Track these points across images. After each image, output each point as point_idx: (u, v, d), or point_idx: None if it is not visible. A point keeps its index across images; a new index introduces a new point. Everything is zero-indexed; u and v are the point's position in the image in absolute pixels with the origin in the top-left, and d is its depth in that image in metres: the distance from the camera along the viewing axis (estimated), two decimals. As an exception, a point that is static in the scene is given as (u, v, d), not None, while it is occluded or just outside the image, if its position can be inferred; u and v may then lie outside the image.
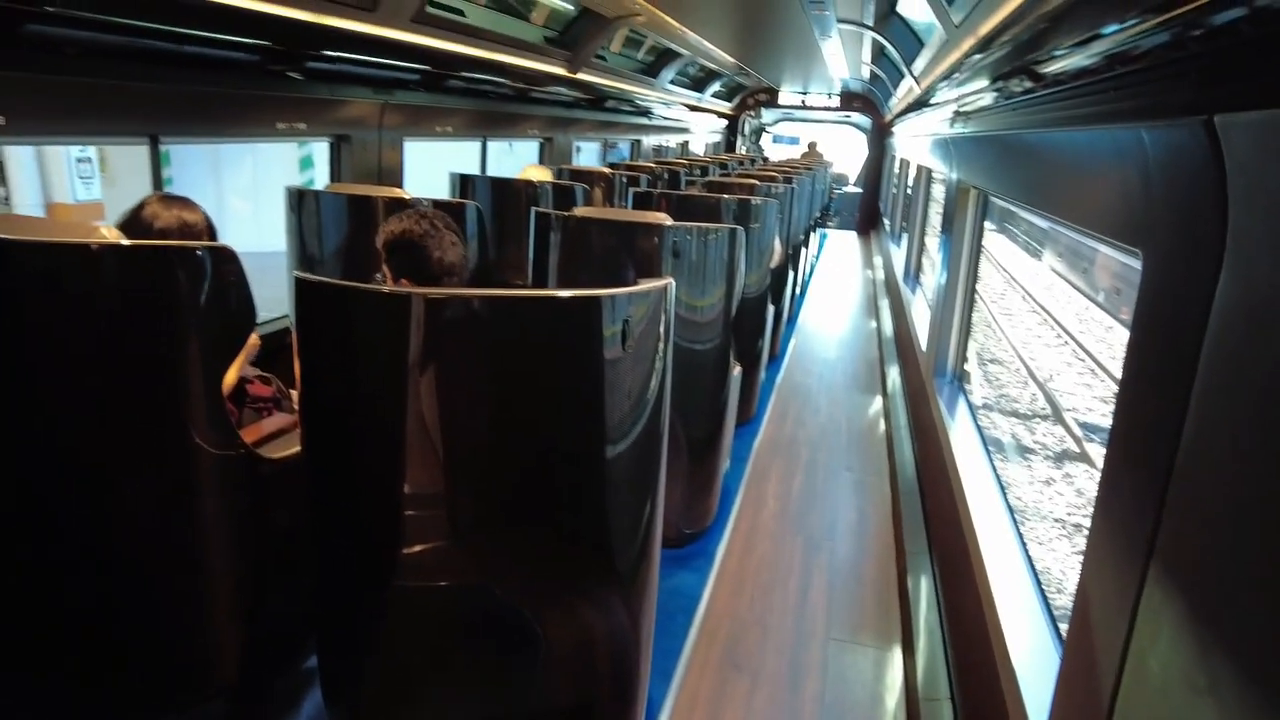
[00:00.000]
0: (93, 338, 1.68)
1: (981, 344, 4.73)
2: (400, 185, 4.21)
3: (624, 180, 5.42)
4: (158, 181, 3.04)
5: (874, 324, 8.40)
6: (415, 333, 1.58)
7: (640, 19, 6.02)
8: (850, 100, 15.18)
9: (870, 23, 6.58)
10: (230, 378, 2.04)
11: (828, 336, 7.91)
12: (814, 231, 10.32)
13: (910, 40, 6.15)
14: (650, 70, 8.80)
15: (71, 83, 2.45)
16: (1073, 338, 4.02)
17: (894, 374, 6.21)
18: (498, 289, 1.69)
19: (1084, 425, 3.38)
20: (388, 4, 3.39)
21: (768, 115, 16.48)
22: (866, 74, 11.06)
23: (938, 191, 6.67)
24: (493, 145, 6.33)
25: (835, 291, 10.34)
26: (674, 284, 1.84)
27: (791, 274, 6.87)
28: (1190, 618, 1.03)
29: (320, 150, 5.07)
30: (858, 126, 16.00)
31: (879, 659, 2.91)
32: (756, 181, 5.77)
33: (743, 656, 2.86)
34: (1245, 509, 0.92)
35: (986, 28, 2.70)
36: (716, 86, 12.58)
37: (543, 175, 4.77)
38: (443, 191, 4.34)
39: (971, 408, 3.83)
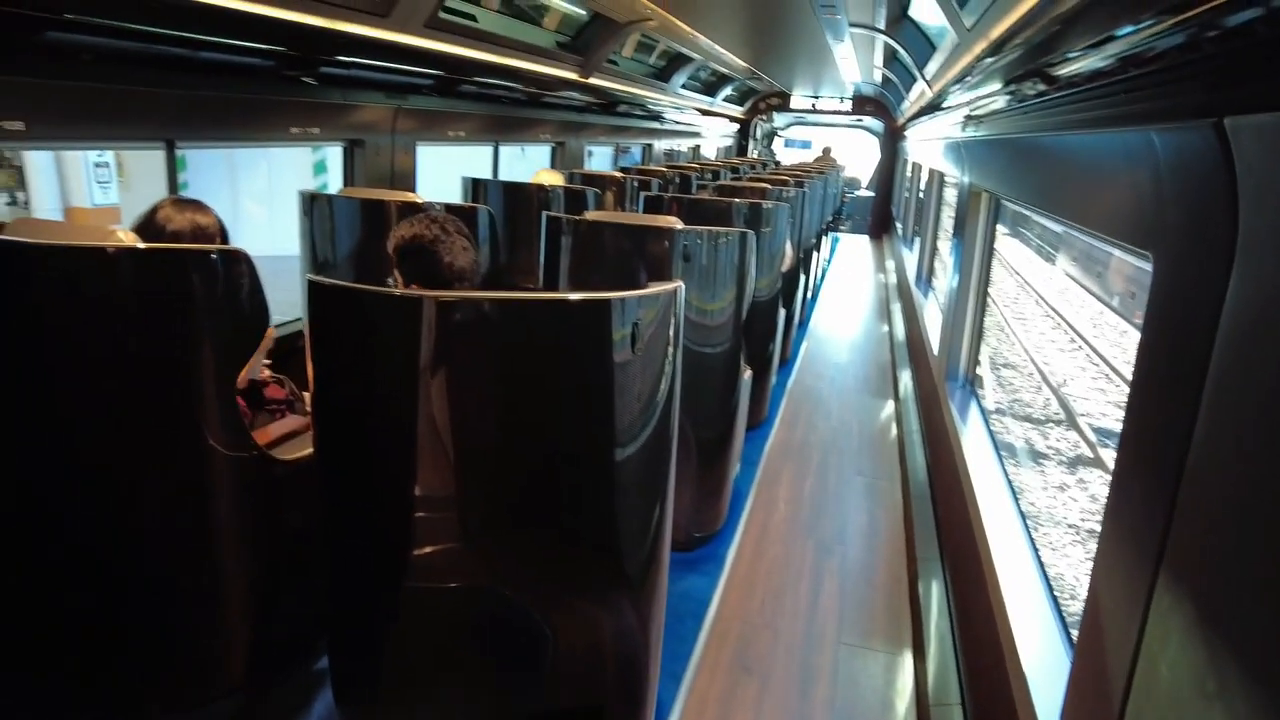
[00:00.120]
0: (109, 339, 1.70)
1: (994, 348, 4.70)
2: (413, 189, 4.24)
3: (635, 184, 5.44)
4: (173, 186, 3.07)
5: (886, 328, 8.36)
6: (426, 335, 1.59)
7: (652, 24, 6.04)
8: (862, 104, 15.16)
9: (882, 26, 6.57)
10: (242, 375, 2.06)
11: (839, 340, 7.88)
12: (826, 235, 10.30)
13: (922, 44, 6.13)
14: (662, 75, 8.82)
15: (89, 88, 2.49)
16: (1086, 342, 3.99)
17: (906, 378, 6.18)
18: (508, 292, 1.69)
19: (1098, 430, 3.35)
20: (401, 10, 3.41)
21: (779, 119, 16.46)
22: (879, 77, 11.03)
23: (950, 195, 6.64)
24: (504, 150, 6.36)
25: (847, 295, 10.31)
26: (683, 287, 1.84)
27: (803, 278, 6.86)
28: (1201, 622, 1.02)
29: (334, 155, 5.11)
30: (870, 130, 15.96)
31: (890, 664, 2.90)
32: (768, 185, 5.77)
33: (753, 660, 2.86)
34: (1256, 513, 0.92)
35: (998, 31, 2.69)
36: (728, 91, 12.59)
37: (554, 179, 4.79)
38: (455, 196, 4.37)
39: (984, 412, 3.81)
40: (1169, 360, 1.23)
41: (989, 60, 3.04)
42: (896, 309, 8.74)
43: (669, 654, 2.64)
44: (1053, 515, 3.30)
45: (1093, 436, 3.34)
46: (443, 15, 3.80)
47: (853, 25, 6.61)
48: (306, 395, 2.32)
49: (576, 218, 3.06)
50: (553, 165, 7.01)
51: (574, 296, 1.67)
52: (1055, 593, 2.31)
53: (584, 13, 5.72)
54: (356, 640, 1.91)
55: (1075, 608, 2.26)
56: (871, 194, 16.23)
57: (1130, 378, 1.41)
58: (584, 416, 1.73)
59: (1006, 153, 3.17)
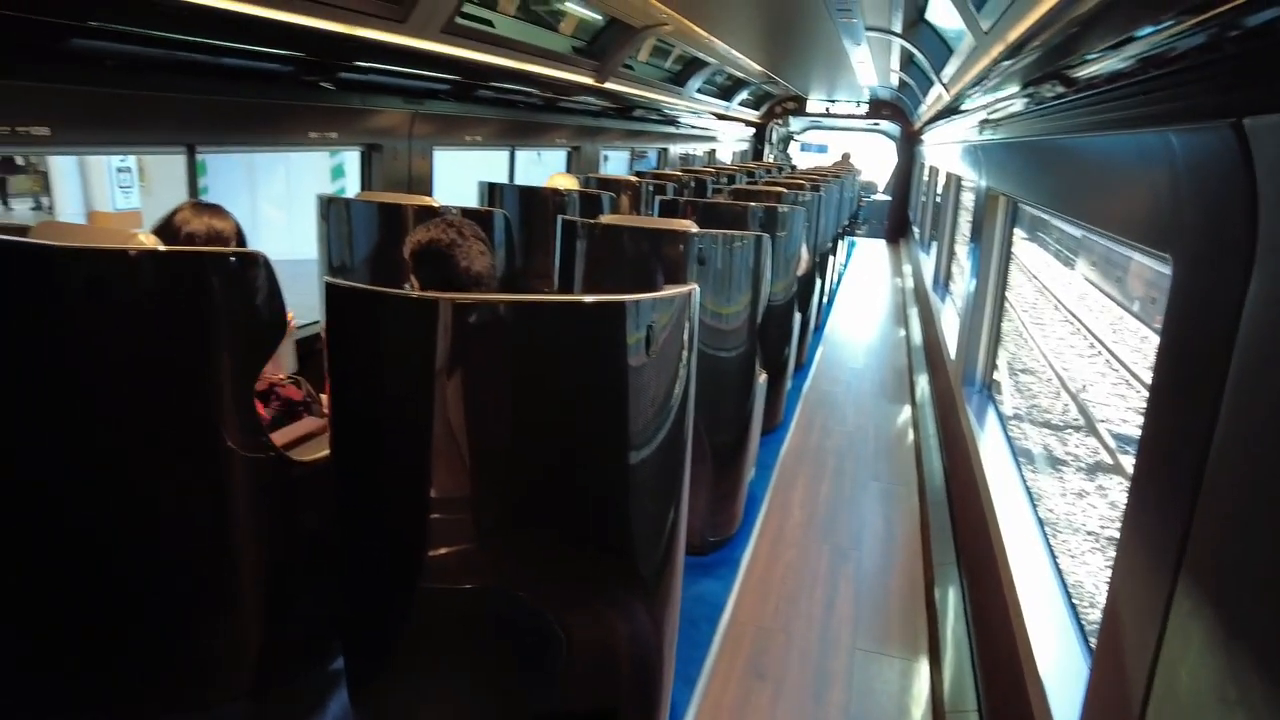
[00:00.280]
0: (130, 339, 1.72)
1: (1012, 353, 4.66)
2: (430, 194, 4.26)
3: (650, 188, 5.44)
4: (194, 190, 3.11)
5: (902, 333, 8.32)
6: (443, 337, 1.60)
7: (668, 28, 6.05)
8: (879, 108, 15.11)
9: (899, 30, 6.55)
10: (270, 371, 2.07)
11: (855, 345, 7.85)
12: (842, 239, 10.27)
13: (939, 47, 6.10)
14: (678, 79, 8.83)
15: (113, 94, 2.52)
16: (1106, 348, 3.95)
17: (923, 383, 6.14)
18: (524, 294, 1.70)
19: (1117, 437, 3.32)
20: (418, 15, 3.44)
21: (795, 123, 16.43)
22: (895, 81, 10.99)
23: (967, 199, 6.60)
24: (521, 154, 6.39)
25: (863, 300, 10.27)
26: (698, 290, 1.84)
27: (819, 282, 6.84)
28: (1222, 628, 1.01)
29: (351, 159, 5.15)
30: (886, 134, 15.91)
31: (905, 670, 2.88)
32: (784, 189, 5.76)
33: (767, 665, 2.85)
34: (1278, 518, 0.91)
35: (1016, 33, 2.68)
36: (744, 95, 12.58)
37: (569, 183, 4.81)
38: (472, 200, 4.39)
39: (1001, 418, 3.78)
40: (1188, 363, 1.22)
41: (1007, 63, 3.02)
42: (913, 313, 8.69)
43: (683, 658, 2.64)
44: (1071, 522, 3.27)
45: (1112, 443, 3.31)
46: (460, 21, 3.83)
47: (869, 29, 6.59)
48: (324, 397, 2.34)
49: (592, 221, 3.07)
50: (568, 170, 7.03)
51: (589, 299, 1.67)
52: (1074, 600, 2.28)
53: (600, 17, 5.74)
54: (371, 641, 1.92)
55: (1094, 615, 2.24)
56: (888, 198, 16.17)
57: (1149, 384, 1.40)
58: (598, 419, 1.73)
59: (1024, 156, 3.15)
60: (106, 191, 8.97)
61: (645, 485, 1.83)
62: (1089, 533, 3.17)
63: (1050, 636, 2.08)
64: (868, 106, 15.17)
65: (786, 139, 16.81)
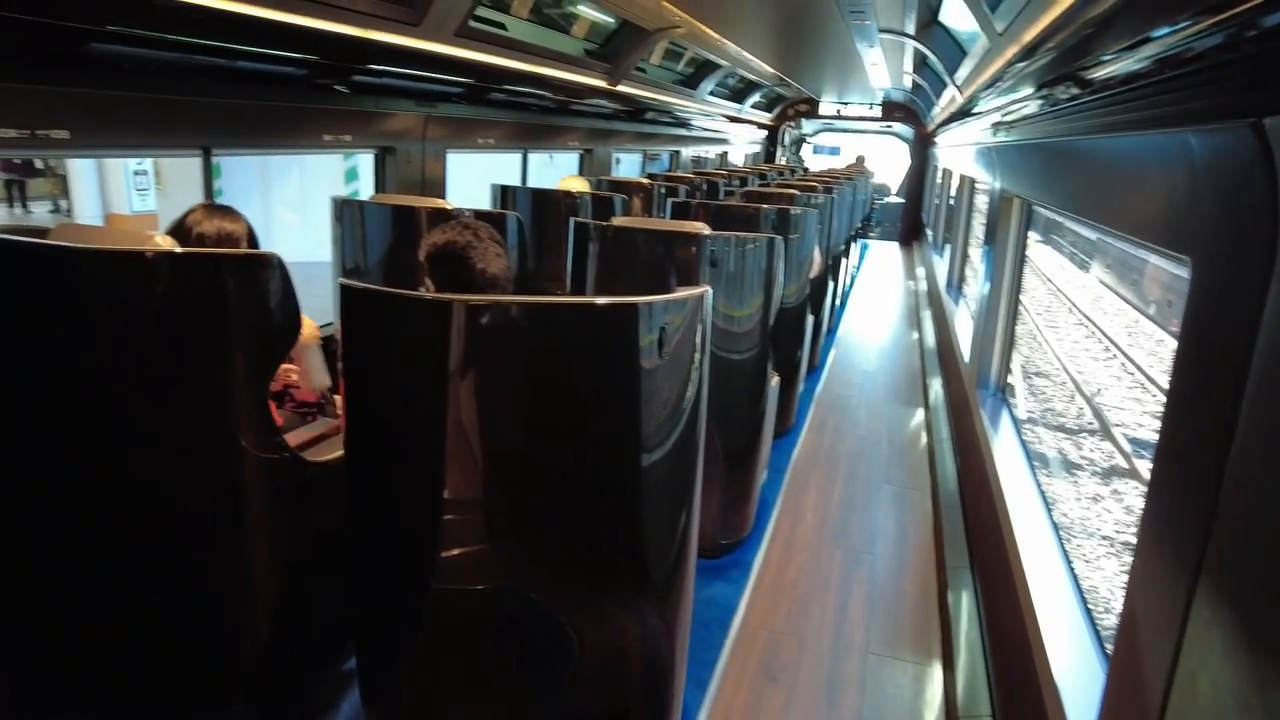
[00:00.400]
0: (146, 340, 1.73)
1: (1026, 356, 4.63)
2: (443, 196, 4.28)
3: (662, 191, 5.44)
4: (209, 193, 3.13)
5: (915, 335, 8.28)
6: (456, 339, 1.61)
7: (680, 31, 6.05)
8: (892, 110, 15.05)
9: (911, 32, 6.52)
10: (298, 376, 2.08)
11: (868, 348, 7.82)
12: (855, 242, 10.23)
13: (953, 49, 6.07)
14: (690, 82, 8.83)
15: (130, 98, 2.55)
16: (1122, 351, 3.92)
17: (936, 386, 6.11)
18: (537, 296, 1.70)
19: (1133, 441, 3.29)
20: (432, 19, 3.46)
21: (808, 125, 16.39)
22: (908, 83, 10.95)
23: (981, 201, 6.56)
24: (533, 157, 6.40)
25: (876, 302, 10.22)
26: (710, 292, 1.84)
27: (831, 284, 6.82)
28: (1243, 635, 1.00)
29: (365, 162, 5.18)
30: (899, 136, 15.84)
31: (918, 674, 2.86)
32: (796, 191, 5.75)
33: (779, 669, 2.84)
34: None
35: (1030, 35, 2.66)
36: (756, 97, 12.57)
37: (581, 186, 4.82)
38: (483, 202, 4.40)
39: (1015, 421, 3.75)
40: (1207, 366, 1.21)
41: (1021, 64, 3.00)
42: (926, 316, 8.65)
43: (694, 661, 2.63)
44: (1086, 527, 3.24)
45: (1128, 447, 3.28)
46: (473, 24, 3.84)
47: (882, 31, 6.57)
48: (338, 398, 2.35)
49: (604, 223, 3.07)
50: (581, 172, 7.04)
51: (602, 301, 1.67)
52: (1089, 605, 2.26)
53: (612, 20, 5.75)
54: (384, 642, 1.93)
55: (1109, 621, 2.21)
56: (901, 200, 16.10)
57: (1166, 387, 1.38)
58: (611, 421, 1.73)
59: (1038, 157, 3.13)
60: (123, 194, 9.07)
61: (657, 487, 1.83)
62: (1104, 537, 3.14)
63: (1065, 642, 2.07)
64: (880, 108, 15.11)
65: (799, 141, 16.78)
